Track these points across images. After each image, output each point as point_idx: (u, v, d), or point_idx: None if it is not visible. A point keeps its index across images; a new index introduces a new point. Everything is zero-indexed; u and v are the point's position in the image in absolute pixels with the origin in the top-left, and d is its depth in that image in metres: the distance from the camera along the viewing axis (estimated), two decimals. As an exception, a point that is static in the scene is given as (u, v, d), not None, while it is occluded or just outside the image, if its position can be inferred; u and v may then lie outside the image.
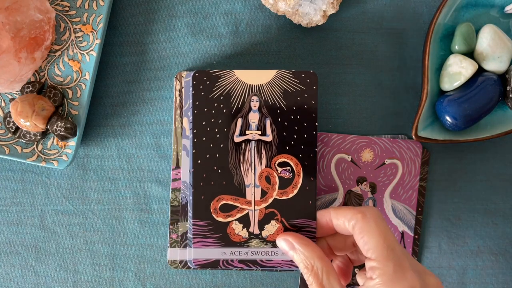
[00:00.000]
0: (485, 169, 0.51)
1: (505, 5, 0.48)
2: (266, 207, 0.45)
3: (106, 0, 0.46)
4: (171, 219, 0.48)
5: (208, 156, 0.45)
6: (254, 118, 0.45)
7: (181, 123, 0.47)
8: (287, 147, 0.45)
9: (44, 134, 0.46)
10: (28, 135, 0.46)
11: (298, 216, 0.45)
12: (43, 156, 0.47)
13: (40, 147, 0.47)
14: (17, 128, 0.46)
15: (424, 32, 0.50)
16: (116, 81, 0.49)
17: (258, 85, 0.45)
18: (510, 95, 0.47)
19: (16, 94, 0.47)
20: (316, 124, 0.45)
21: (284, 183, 0.45)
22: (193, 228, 0.45)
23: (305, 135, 0.45)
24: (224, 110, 0.45)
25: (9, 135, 0.47)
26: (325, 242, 0.44)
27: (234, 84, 0.45)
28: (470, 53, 0.48)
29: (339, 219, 0.42)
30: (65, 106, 0.47)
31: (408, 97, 0.50)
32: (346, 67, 0.50)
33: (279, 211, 0.45)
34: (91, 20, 0.47)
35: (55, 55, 0.47)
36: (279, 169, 0.45)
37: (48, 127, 0.45)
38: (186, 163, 0.46)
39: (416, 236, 0.50)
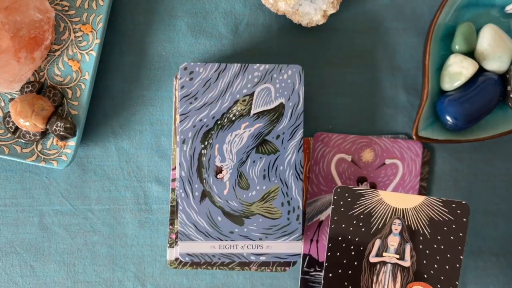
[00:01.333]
0: (486, 169, 0.51)
1: (506, 5, 0.48)
2: None
3: (106, 0, 0.46)
4: (171, 219, 0.48)
5: (340, 271, 0.44)
6: (393, 241, 0.43)
7: (174, 123, 0.47)
8: (425, 276, 0.43)
9: (44, 134, 0.46)
10: (27, 135, 0.46)
11: None
12: (42, 156, 0.47)
13: (39, 147, 0.47)
14: (17, 128, 0.46)
15: (424, 32, 0.50)
16: (116, 81, 0.49)
17: (402, 208, 0.43)
18: (511, 95, 0.47)
19: (15, 94, 0.47)
20: (461, 257, 0.43)
21: None
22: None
23: (447, 267, 0.43)
24: (363, 229, 0.44)
25: (9, 135, 0.47)
26: None
27: (377, 205, 0.44)
28: (470, 53, 0.48)
29: None
30: (64, 106, 0.47)
31: (408, 97, 0.50)
32: (346, 67, 0.50)
33: None
34: (90, 20, 0.46)
35: (55, 55, 0.47)
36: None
37: (48, 127, 0.45)
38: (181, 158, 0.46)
39: None
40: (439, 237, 0.43)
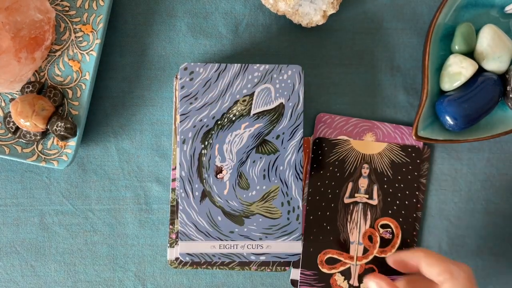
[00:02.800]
0: (485, 169, 0.51)
1: (505, 5, 0.48)
2: (366, 263, 0.50)
3: (106, 0, 0.46)
4: (171, 219, 0.48)
5: (319, 213, 0.49)
6: (363, 183, 0.50)
7: (174, 123, 0.47)
8: (390, 211, 0.50)
9: (44, 134, 0.46)
10: (28, 135, 0.46)
11: (394, 273, 0.46)
12: (43, 156, 0.47)
13: (40, 147, 0.47)
14: (17, 128, 0.46)
15: (424, 32, 0.50)
16: (116, 81, 0.49)
17: (370, 154, 0.50)
18: (510, 95, 0.47)
19: (16, 94, 0.47)
20: (417, 193, 0.50)
21: (384, 243, 0.50)
22: (300, 276, 0.49)
23: (406, 202, 0.50)
24: (338, 174, 0.49)
25: (9, 135, 0.47)
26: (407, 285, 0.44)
27: (349, 152, 0.49)
28: (470, 53, 0.48)
29: (428, 270, 0.42)
30: (65, 106, 0.47)
31: (408, 97, 0.50)
32: (346, 67, 0.50)
33: (377, 267, 0.49)
34: (91, 20, 0.47)
35: (55, 55, 0.47)
36: (381, 230, 0.50)
37: (48, 127, 0.45)
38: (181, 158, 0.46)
39: (415, 233, 0.50)
40: (399, 177, 0.50)
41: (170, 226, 0.48)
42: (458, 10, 0.48)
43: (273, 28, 0.50)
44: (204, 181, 0.46)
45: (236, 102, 0.46)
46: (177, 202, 0.47)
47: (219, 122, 0.46)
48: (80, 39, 0.47)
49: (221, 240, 0.46)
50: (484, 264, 0.52)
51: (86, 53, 0.47)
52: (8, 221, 0.50)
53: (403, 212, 0.50)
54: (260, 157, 0.46)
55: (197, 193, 0.46)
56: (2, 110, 0.47)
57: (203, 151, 0.46)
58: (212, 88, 0.45)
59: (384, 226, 0.50)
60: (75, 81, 0.47)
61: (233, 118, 0.46)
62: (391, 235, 0.50)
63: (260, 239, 0.46)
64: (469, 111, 0.46)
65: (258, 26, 0.50)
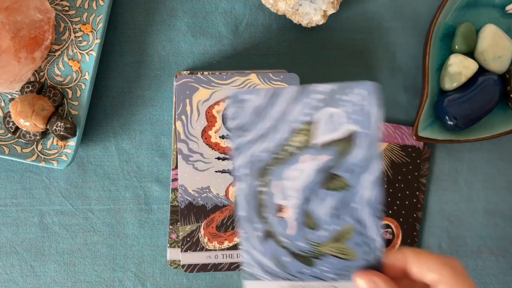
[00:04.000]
0: (485, 169, 0.51)
1: (506, 5, 0.48)
2: None
3: (106, 0, 0.46)
4: (171, 219, 0.48)
5: None
6: None
7: (174, 123, 0.47)
8: (390, 211, 0.49)
9: (44, 134, 0.46)
10: (27, 135, 0.46)
11: None
12: (42, 156, 0.47)
13: (39, 147, 0.47)
14: (17, 128, 0.46)
15: (424, 32, 0.50)
16: (116, 81, 0.49)
17: None
18: (511, 95, 0.47)
19: (16, 94, 0.47)
20: (417, 193, 0.49)
21: (385, 243, 0.45)
22: None
23: (406, 202, 0.49)
24: None
25: (9, 135, 0.47)
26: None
27: None
28: (470, 53, 0.48)
29: (417, 267, 0.36)
30: (65, 106, 0.47)
31: (408, 97, 0.50)
32: (346, 67, 0.50)
33: None
34: (91, 20, 0.47)
35: (55, 55, 0.47)
36: (381, 230, 0.44)
37: (48, 127, 0.45)
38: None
39: (415, 233, 0.50)
40: (399, 177, 0.50)
41: (170, 226, 0.48)
42: (459, 10, 0.48)
43: (273, 28, 0.50)
44: (265, 220, 0.40)
45: (295, 132, 0.38)
46: (181, 209, 0.46)
47: (277, 156, 0.39)
48: (80, 39, 0.47)
49: (290, 280, 0.40)
50: (484, 264, 0.52)
51: (86, 53, 0.47)
52: (8, 221, 0.49)
53: (403, 212, 0.50)
54: (329, 194, 0.39)
55: (259, 233, 0.40)
56: (2, 110, 0.47)
57: (261, 189, 0.40)
58: (265, 117, 0.38)
59: (384, 226, 0.50)
60: (75, 81, 0.47)
61: (293, 151, 0.38)
62: (391, 235, 0.50)
63: (335, 280, 0.40)
64: (469, 111, 0.46)
65: (258, 26, 0.50)
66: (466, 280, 0.35)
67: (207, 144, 0.46)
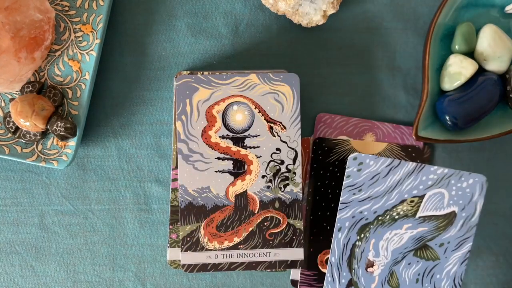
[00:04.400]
0: (485, 169, 0.51)
1: (505, 5, 0.48)
2: None
3: (106, 0, 0.46)
4: (171, 219, 0.48)
5: (319, 213, 0.49)
6: None
7: (174, 124, 0.47)
8: None
9: (44, 134, 0.46)
10: (28, 135, 0.46)
11: None
12: (43, 156, 0.47)
13: (40, 147, 0.47)
14: (17, 128, 0.46)
15: (424, 32, 0.50)
16: (116, 81, 0.49)
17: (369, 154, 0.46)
18: (511, 95, 0.47)
19: (16, 94, 0.47)
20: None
21: None
22: (300, 276, 0.48)
23: None
24: (338, 174, 0.49)
25: (9, 135, 0.47)
26: None
27: (349, 152, 0.49)
28: (470, 53, 0.48)
29: None
30: (65, 106, 0.47)
31: (408, 97, 0.50)
32: (346, 67, 0.50)
33: None
34: (91, 20, 0.47)
35: (55, 55, 0.47)
36: None
37: (48, 127, 0.45)
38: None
39: None
40: None
41: (170, 226, 0.48)
42: (459, 10, 0.48)
43: (273, 28, 0.50)
44: (353, 271, 0.45)
45: (402, 201, 0.44)
46: (181, 209, 0.46)
47: (380, 218, 0.44)
48: (80, 39, 0.47)
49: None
50: (484, 264, 0.52)
51: (86, 53, 0.47)
52: (8, 221, 0.50)
53: None
54: (417, 261, 0.44)
55: (343, 281, 0.45)
56: (2, 110, 0.47)
57: (357, 243, 0.45)
58: (380, 183, 0.44)
59: None
60: (75, 81, 0.47)
61: (396, 217, 0.44)
62: None
63: None
64: (469, 111, 0.46)
65: (258, 26, 0.50)
66: None
67: (207, 144, 0.46)
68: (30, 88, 0.46)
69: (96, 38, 0.46)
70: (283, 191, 0.46)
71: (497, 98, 0.47)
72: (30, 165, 0.49)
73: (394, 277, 0.45)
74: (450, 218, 0.44)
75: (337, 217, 0.45)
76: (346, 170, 0.44)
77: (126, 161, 0.50)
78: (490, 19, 0.48)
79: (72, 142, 0.46)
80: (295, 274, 0.50)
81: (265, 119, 0.46)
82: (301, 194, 0.46)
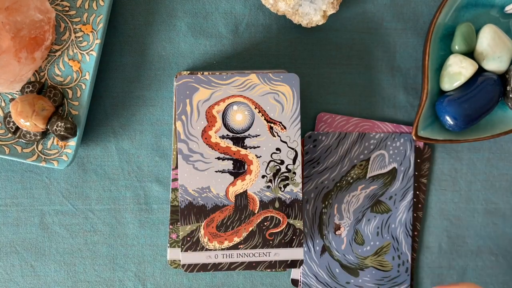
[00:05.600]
0: (485, 169, 0.51)
1: (505, 5, 0.48)
2: None
3: (106, 0, 0.46)
4: (171, 219, 0.48)
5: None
6: None
7: (174, 124, 0.47)
8: None
9: (44, 134, 0.46)
10: (28, 135, 0.46)
11: None
12: (43, 156, 0.47)
13: (40, 147, 0.47)
14: (17, 128, 0.46)
15: (424, 32, 0.50)
16: (116, 81, 0.49)
17: None
18: (510, 95, 0.47)
19: (16, 94, 0.47)
20: (417, 193, 0.51)
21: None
22: (301, 275, 0.50)
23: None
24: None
25: (9, 135, 0.47)
26: None
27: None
28: (470, 53, 0.48)
29: None
30: (65, 106, 0.47)
31: (408, 97, 0.50)
32: (346, 67, 0.50)
33: None
34: (91, 20, 0.47)
35: (55, 55, 0.47)
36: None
37: (48, 127, 0.45)
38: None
39: (416, 233, 0.50)
40: None
41: (170, 226, 0.48)
42: (458, 10, 0.48)
43: (273, 28, 0.50)
44: (324, 237, 0.50)
45: (353, 166, 0.50)
46: (181, 209, 0.47)
47: (338, 184, 0.50)
48: (80, 39, 0.47)
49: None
50: (484, 264, 0.52)
51: (86, 53, 0.47)
52: (8, 221, 0.50)
53: None
54: (375, 216, 0.50)
55: (317, 248, 0.50)
56: (2, 110, 0.47)
57: (323, 210, 0.50)
58: (333, 154, 0.50)
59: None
60: (75, 81, 0.47)
61: (351, 181, 0.50)
62: None
63: None
64: (469, 111, 0.46)
65: (258, 26, 0.50)
66: None
67: (207, 144, 0.46)
68: (31, 88, 0.46)
69: (96, 38, 0.46)
70: (283, 191, 0.46)
71: (497, 98, 0.47)
72: (30, 165, 0.49)
73: (359, 234, 0.50)
74: (392, 174, 0.50)
75: (303, 190, 0.49)
76: (304, 148, 0.49)
77: (126, 161, 0.50)
78: (490, 19, 0.48)
79: (72, 142, 0.46)
80: (295, 273, 0.50)
81: (265, 119, 0.46)
82: (301, 194, 0.46)
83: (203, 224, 0.46)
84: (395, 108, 0.50)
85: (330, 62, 0.50)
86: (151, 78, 0.49)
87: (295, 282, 0.50)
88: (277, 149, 0.46)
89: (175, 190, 0.47)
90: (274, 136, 0.46)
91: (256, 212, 0.46)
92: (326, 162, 0.50)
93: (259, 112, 0.46)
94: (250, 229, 0.46)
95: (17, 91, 0.47)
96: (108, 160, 0.50)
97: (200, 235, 0.46)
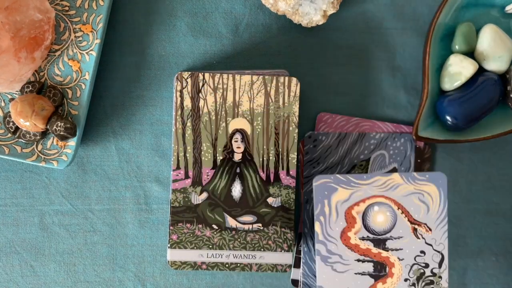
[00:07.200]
0: (486, 169, 0.51)
1: (506, 5, 0.48)
2: None
3: (106, 0, 0.46)
4: (172, 220, 0.48)
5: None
6: None
7: (183, 125, 0.46)
8: None
9: (44, 134, 0.46)
10: (27, 135, 0.46)
11: None
12: (42, 156, 0.47)
13: (39, 147, 0.47)
14: (17, 128, 0.46)
15: (424, 32, 0.50)
16: (116, 81, 0.49)
17: None
18: (511, 95, 0.47)
19: (16, 94, 0.47)
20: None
21: None
22: (301, 276, 0.49)
23: None
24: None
25: (9, 135, 0.47)
26: None
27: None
28: (470, 53, 0.48)
29: None
30: (65, 106, 0.47)
31: (408, 97, 0.50)
32: (346, 67, 0.50)
33: None
34: (91, 20, 0.47)
35: (55, 55, 0.47)
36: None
37: (48, 127, 0.45)
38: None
39: None
40: None
41: (171, 227, 0.48)
42: (459, 10, 0.48)
43: (273, 28, 0.50)
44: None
45: (354, 167, 0.49)
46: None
47: None
48: (80, 39, 0.47)
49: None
50: (484, 264, 0.52)
51: (86, 53, 0.47)
52: (8, 221, 0.49)
53: None
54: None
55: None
56: (2, 110, 0.47)
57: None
58: (333, 154, 0.49)
59: None
60: (75, 81, 0.47)
61: None
62: None
63: None
64: (469, 111, 0.46)
65: (258, 26, 0.50)
66: None
67: (346, 246, 0.44)
68: (30, 88, 0.46)
69: (96, 38, 0.46)
70: None
71: (497, 98, 0.47)
72: (30, 165, 0.49)
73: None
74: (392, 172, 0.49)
75: (303, 190, 0.48)
76: (304, 148, 0.48)
77: (126, 161, 0.50)
78: (490, 19, 0.48)
79: (72, 142, 0.46)
80: (296, 274, 0.50)
81: (408, 220, 0.44)
82: None
83: None
84: (396, 108, 0.50)
85: (330, 62, 0.50)
86: (151, 78, 0.49)
87: (295, 282, 0.50)
88: (422, 251, 0.45)
89: (175, 191, 0.47)
90: (418, 238, 0.45)
91: None
92: (326, 162, 0.49)
93: (402, 213, 0.44)
94: None
95: (16, 91, 0.47)
96: (108, 160, 0.50)
97: None
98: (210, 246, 0.46)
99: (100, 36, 0.46)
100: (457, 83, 0.47)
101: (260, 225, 0.47)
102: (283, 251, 0.46)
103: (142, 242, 0.50)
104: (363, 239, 0.45)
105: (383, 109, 0.50)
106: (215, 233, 0.47)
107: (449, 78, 0.47)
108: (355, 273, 0.45)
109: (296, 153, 0.47)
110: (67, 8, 0.47)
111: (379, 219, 0.44)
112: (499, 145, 0.51)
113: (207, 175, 0.47)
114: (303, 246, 0.49)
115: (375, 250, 0.44)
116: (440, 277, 0.45)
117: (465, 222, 0.51)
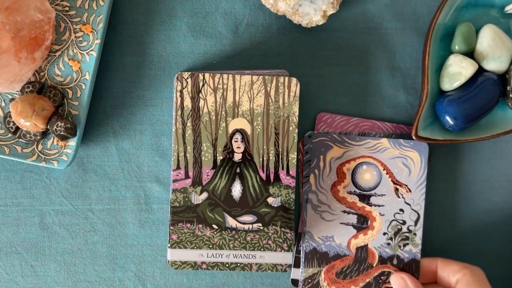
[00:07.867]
0: (485, 169, 0.51)
1: (505, 5, 0.48)
2: None
3: (106, 0, 0.46)
4: (172, 220, 0.48)
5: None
6: None
7: (183, 125, 0.47)
8: None
9: (44, 134, 0.46)
10: (28, 135, 0.46)
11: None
12: (43, 156, 0.47)
13: (40, 147, 0.47)
14: (17, 128, 0.46)
15: (424, 32, 0.50)
16: (116, 81, 0.49)
17: None
18: (510, 95, 0.47)
19: (16, 94, 0.47)
20: None
21: None
22: (301, 275, 0.50)
23: None
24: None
25: (9, 135, 0.47)
26: None
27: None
28: (470, 53, 0.48)
29: (445, 271, 0.46)
30: (65, 106, 0.47)
31: (408, 97, 0.50)
32: (346, 67, 0.50)
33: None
34: (91, 20, 0.47)
35: (55, 55, 0.47)
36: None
37: (48, 127, 0.45)
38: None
39: None
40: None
41: (171, 227, 0.48)
42: (458, 10, 0.48)
43: (273, 28, 0.50)
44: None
45: None
46: (299, 256, 0.50)
47: None
48: (80, 39, 0.47)
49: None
50: (484, 264, 0.52)
51: (86, 53, 0.47)
52: (8, 221, 0.50)
53: None
54: None
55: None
56: (2, 110, 0.47)
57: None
58: None
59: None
60: (75, 81, 0.47)
61: None
62: None
63: None
64: (469, 111, 0.46)
65: (258, 26, 0.50)
66: (483, 284, 0.43)
67: (335, 197, 0.49)
68: (31, 88, 0.46)
69: (96, 38, 0.46)
70: (402, 250, 0.49)
71: (497, 98, 0.47)
72: (30, 165, 0.50)
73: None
74: None
75: (303, 190, 0.49)
76: (304, 148, 0.49)
77: (126, 161, 0.50)
78: (490, 19, 0.48)
79: (72, 142, 0.46)
80: (296, 273, 0.50)
81: (392, 180, 0.49)
82: (419, 255, 0.48)
83: (324, 269, 0.48)
84: (395, 108, 0.50)
85: (330, 62, 0.50)
86: (151, 78, 0.49)
87: (295, 282, 0.50)
88: (401, 209, 0.49)
89: (175, 191, 0.47)
90: (398, 197, 0.49)
91: (374, 265, 0.49)
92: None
93: (387, 173, 0.49)
94: (367, 280, 0.49)
95: (17, 91, 0.47)
96: (108, 160, 0.50)
97: (320, 279, 0.48)
98: (210, 246, 0.46)
99: (100, 36, 0.46)
100: (457, 83, 0.47)
101: (260, 225, 0.47)
102: (283, 251, 0.47)
103: (142, 242, 0.50)
104: (350, 193, 0.49)
105: (382, 109, 0.50)
106: (215, 233, 0.47)
107: (448, 78, 0.47)
108: (341, 223, 0.49)
109: (296, 153, 0.47)
110: (67, 8, 0.47)
111: (366, 177, 0.49)
112: (498, 145, 0.51)
113: (207, 175, 0.47)
114: (305, 245, 0.49)
115: (360, 204, 0.49)
116: (415, 234, 0.49)
117: (465, 222, 0.51)
